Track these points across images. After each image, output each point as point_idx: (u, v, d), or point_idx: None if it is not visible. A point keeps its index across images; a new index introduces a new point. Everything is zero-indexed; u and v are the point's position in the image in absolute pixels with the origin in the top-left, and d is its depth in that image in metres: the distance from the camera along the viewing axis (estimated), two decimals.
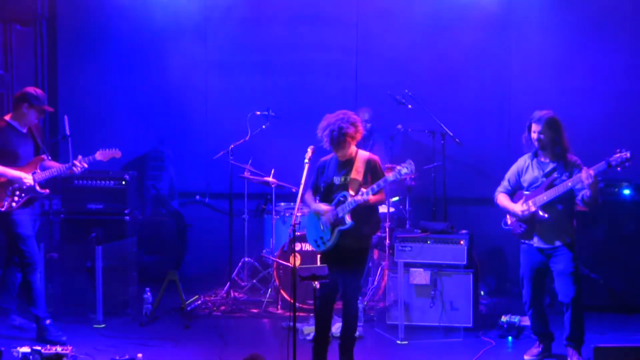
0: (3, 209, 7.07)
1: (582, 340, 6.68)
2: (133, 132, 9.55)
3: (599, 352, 5.86)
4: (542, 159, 6.69)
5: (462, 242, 7.64)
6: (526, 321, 7.69)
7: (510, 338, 7.42)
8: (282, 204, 8.82)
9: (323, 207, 6.39)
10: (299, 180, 6.50)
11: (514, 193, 6.83)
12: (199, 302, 8.45)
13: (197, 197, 9.72)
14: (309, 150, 6.48)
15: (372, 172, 6.36)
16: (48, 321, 7.19)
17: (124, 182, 8.34)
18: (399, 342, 7.30)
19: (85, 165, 7.30)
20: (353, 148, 6.43)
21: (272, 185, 8.64)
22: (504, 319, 7.56)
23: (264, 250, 8.85)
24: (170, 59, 9.58)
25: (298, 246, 8.05)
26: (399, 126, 8.88)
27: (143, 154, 9.71)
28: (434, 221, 8.17)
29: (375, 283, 8.33)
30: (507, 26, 9.34)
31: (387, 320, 7.66)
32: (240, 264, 8.89)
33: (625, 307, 8.10)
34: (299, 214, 6.53)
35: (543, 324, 6.86)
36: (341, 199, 6.32)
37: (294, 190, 8.50)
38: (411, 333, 7.37)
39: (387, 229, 8.11)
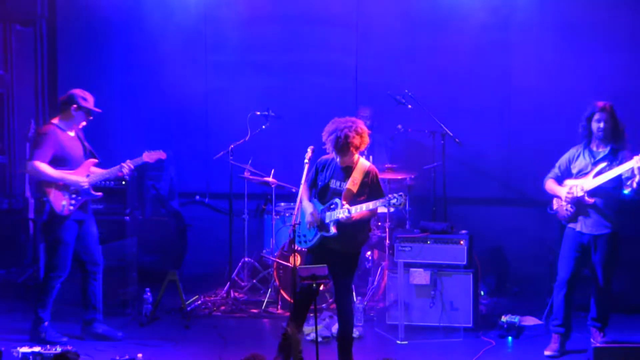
0: (64, 213, 7.05)
1: (606, 322, 6.87)
2: (133, 132, 9.55)
3: (599, 352, 5.87)
4: (594, 148, 6.77)
5: (462, 242, 7.63)
6: (526, 321, 7.71)
7: (510, 338, 7.42)
8: (282, 204, 8.82)
9: (309, 209, 6.41)
10: (299, 180, 6.50)
11: (562, 180, 6.90)
12: (199, 302, 8.45)
13: (197, 197, 9.71)
14: (309, 150, 6.48)
15: (370, 186, 6.34)
16: (47, 323, 7.18)
17: (124, 182, 8.34)
18: (399, 342, 7.30)
19: (132, 167, 7.29)
20: (356, 156, 6.41)
21: (272, 185, 8.63)
22: (504, 319, 7.56)
23: (264, 250, 8.85)
24: (170, 58, 9.58)
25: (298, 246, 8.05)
26: (399, 126, 8.86)
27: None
28: (434, 221, 8.17)
29: (375, 283, 8.32)
30: (507, 26, 9.34)
31: (387, 320, 7.66)
32: (240, 264, 8.88)
33: (625, 307, 8.09)
34: (298, 213, 6.52)
35: (569, 311, 6.89)
36: (332, 205, 6.33)
37: (294, 190, 8.50)
38: (411, 333, 7.37)
39: (387, 229, 8.11)
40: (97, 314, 7.33)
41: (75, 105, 7.12)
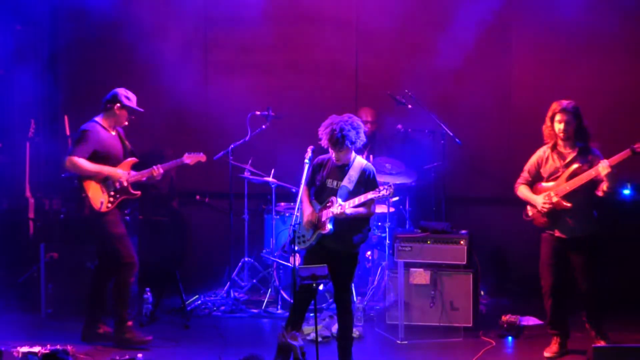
0: (102, 210, 7.00)
1: (601, 321, 6.81)
2: (133, 132, 9.53)
3: (599, 352, 5.87)
4: (562, 149, 6.69)
5: (462, 242, 7.63)
6: (526, 321, 7.71)
7: (510, 338, 7.42)
8: (282, 204, 8.82)
9: (307, 211, 6.41)
10: (299, 180, 6.51)
11: (533, 184, 6.83)
12: (199, 302, 8.46)
13: (197, 197, 9.71)
14: (309, 150, 6.48)
15: (366, 183, 6.33)
16: (130, 323, 7.17)
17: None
18: (399, 342, 7.30)
19: (162, 171, 7.28)
20: (352, 154, 6.39)
21: (272, 185, 8.64)
22: (504, 319, 7.56)
23: (264, 250, 8.86)
24: (170, 58, 9.57)
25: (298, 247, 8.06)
26: (399, 126, 8.87)
27: (143, 154, 9.69)
28: (434, 221, 8.17)
29: (375, 283, 8.33)
30: (507, 26, 9.33)
31: (387, 320, 7.67)
32: (240, 264, 8.89)
33: (625, 307, 8.09)
34: (298, 214, 6.53)
35: (561, 315, 6.84)
36: (328, 203, 6.33)
37: (294, 190, 8.51)
38: (411, 333, 7.37)
39: (387, 229, 8.11)
40: (102, 315, 7.34)
41: (118, 105, 7.13)
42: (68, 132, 9.45)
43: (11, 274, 8.76)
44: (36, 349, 6.42)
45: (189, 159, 7.54)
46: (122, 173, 7.08)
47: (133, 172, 7.22)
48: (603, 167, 6.37)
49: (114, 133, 7.21)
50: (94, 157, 7.02)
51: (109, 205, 7.03)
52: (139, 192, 7.24)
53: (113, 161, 7.12)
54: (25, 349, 6.42)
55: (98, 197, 7.00)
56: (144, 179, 7.29)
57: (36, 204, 9.23)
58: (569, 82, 9.04)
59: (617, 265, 8.22)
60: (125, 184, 7.08)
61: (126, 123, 7.26)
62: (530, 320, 7.78)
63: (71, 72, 9.97)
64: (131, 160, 7.23)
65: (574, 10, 9.09)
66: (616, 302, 8.12)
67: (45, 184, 9.45)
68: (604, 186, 6.47)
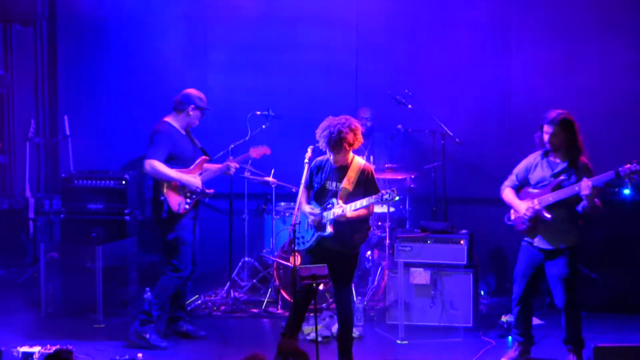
0: (181, 211, 7.01)
1: (581, 344, 6.55)
2: (133, 131, 9.54)
3: (599, 352, 5.86)
4: (553, 159, 6.53)
5: (462, 242, 7.63)
6: None
7: (510, 338, 7.41)
8: (282, 204, 8.82)
9: (309, 211, 6.41)
10: (299, 180, 6.51)
11: (520, 188, 6.73)
12: (199, 302, 8.46)
13: None
14: (309, 150, 6.47)
15: (365, 183, 6.32)
16: (153, 325, 7.13)
17: (124, 182, 8.34)
18: (399, 342, 7.30)
19: (237, 166, 7.35)
20: (350, 155, 6.38)
21: (272, 185, 8.64)
22: (504, 319, 7.56)
23: (264, 250, 8.85)
24: (170, 58, 9.57)
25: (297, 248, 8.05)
26: (399, 126, 8.88)
27: (143, 154, 9.68)
28: (434, 221, 8.17)
29: (375, 283, 8.33)
30: (507, 26, 9.34)
31: (387, 320, 7.67)
32: (240, 264, 8.88)
33: (625, 307, 8.09)
34: (299, 214, 6.53)
35: (527, 323, 6.68)
36: (329, 205, 6.32)
37: (294, 190, 8.50)
38: (411, 333, 7.37)
39: (387, 229, 8.11)
40: (183, 313, 7.35)
41: (192, 106, 7.14)
42: (68, 132, 9.47)
43: (11, 274, 8.77)
44: (36, 348, 6.43)
45: (254, 152, 7.60)
46: (197, 182, 7.08)
47: (207, 167, 7.22)
48: (584, 187, 6.16)
49: (183, 132, 7.21)
50: (169, 159, 7.02)
51: (187, 206, 7.04)
52: (212, 190, 7.24)
53: (186, 162, 7.13)
54: (25, 349, 6.42)
55: (176, 199, 7.01)
56: (218, 174, 7.29)
57: (36, 204, 9.24)
58: (569, 82, 9.04)
59: (618, 266, 8.21)
60: (199, 190, 7.09)
61: (197, 123, 7.27)
62: None
63: (71, 72, 9.96)
64: (203, 159, 7.25)
65: (574, 10, 9.10)
66: (616, 302, 8.14)
67: (45, 184, 9.46)
68: (582, 205, 6.32)
